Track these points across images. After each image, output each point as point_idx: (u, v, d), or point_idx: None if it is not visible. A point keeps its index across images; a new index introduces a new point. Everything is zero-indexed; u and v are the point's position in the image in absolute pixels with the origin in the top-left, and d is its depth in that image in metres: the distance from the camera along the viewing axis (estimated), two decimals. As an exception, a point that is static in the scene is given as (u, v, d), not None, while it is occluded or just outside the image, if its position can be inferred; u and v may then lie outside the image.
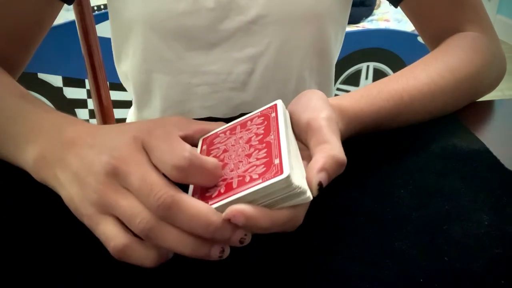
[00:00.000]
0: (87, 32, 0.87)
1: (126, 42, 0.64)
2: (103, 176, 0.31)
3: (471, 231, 0.36)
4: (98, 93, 0.92)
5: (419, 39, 1.77)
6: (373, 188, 0.41)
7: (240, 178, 0.31)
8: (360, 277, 0.33)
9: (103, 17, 1.51)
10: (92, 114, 1.79)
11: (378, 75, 1.96)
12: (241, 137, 0.35)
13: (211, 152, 0.36)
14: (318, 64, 0.67)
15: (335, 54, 0.71)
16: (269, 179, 0.29)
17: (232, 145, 0.35)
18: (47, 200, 0.37)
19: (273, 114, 0.36)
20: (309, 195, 0.30)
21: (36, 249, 0.36)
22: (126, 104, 1.73)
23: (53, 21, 0.58)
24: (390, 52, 1.90)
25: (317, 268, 0.34)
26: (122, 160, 0.31)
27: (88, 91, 1.77)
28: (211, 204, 0.30)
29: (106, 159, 0.31)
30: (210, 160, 0.31)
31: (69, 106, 1.77)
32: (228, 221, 0.29)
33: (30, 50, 0.58)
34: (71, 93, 1.77)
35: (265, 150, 0.32)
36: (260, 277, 0.33)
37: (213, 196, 0.31)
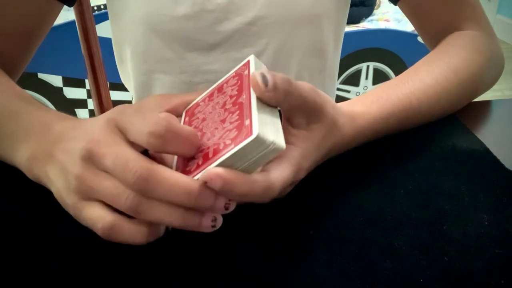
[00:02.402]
0: (87, 32, 0.87)
1: (126, 43, 0.64)
2: (80, 161, 0.31)
3: (471, 231, 0.36)
4: (98, 93, 0.92)
5: (419, 39, 1.77)
6: (373, 188, 0.41)
7: (215, 147, 0.30)
8: (360, 277, 0.33)
9: (103, 17, 1.52)
10: (92, 114, 1.79)
11: (378, 75, 1.96)
12: (217, 103, 0.35)
13: (192, 123, 0.35)
14: (317, 65, 0.67)
15: (335, 54, 0.71)
16: (240, 142, 0.28)
17: (210, 113, 0.34)
18: (42, 198, 0.37)
19: (246, 72, 0.35)
20: (283, 146, 0.30)
21: (35, 248, 0.36)
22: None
23: (53, 22, 0.58)
24: (390, 52, 1.90)
25: (317, 268, 0.34)
26: (96, 143, 0.31)
27: (88, 91, 1.77)
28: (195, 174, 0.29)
29: (82, 145, 0.31)
30: (186, 127, 0.30)
31: (69, 106, 1.77)
32: (208, 187, 0.28)
33: (30, 51, 0.58)
34: (71, 93, 1.77)
35: (238, 112, 0.31)
36: (260, 277, 0.33)
37: (192, 169, 0.30)
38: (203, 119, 0.34)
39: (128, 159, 0.29)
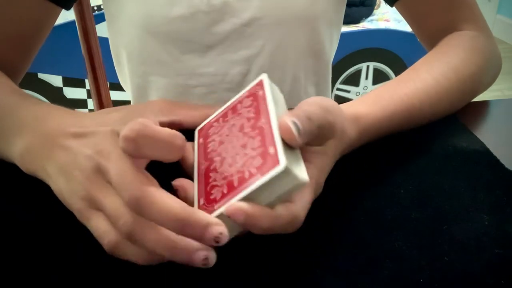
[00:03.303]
0: (87, 32, 0.87)
1: (122, 46, 0.64)
2: (89, 172, 0.32)
3: (471, 231, 0.36)
4: (98, 93, 0.92)
5: (419, 39, 1.77)
6: (373, 188, 0.41)
7: (240, 175, 0.30)
8: (360, 277, 0.33)
9: (103, 17, 1.51)
10: (92, 114, 1.79)
11: (378, 75, 1.96)
12: (233, 125, 0.35)
13: (209, 146, 0.35)
14: (313, 65, 0.67)
15: (331, 55, 0.71)
16: (267, 172, 0.28)
17: (227, 135, 0.34)
18: (43, 198, 0.37)
19: (261, 92, 0.35)
20: (307, 180, 0.30)
21: (35, 248, 0.36)
22: (126, 104, 1.72)
23: (52, 25, 0.59)
24: (390, 52, 1.90)
25: (317, 268, 0.34)
26: (104, 156, 0.31)
27: (88, 91, 1.77)
28: (217, 208, 0.30)
29: (90, 153, 0.32)
30: (164, 130, 0.30)
31: (69, 106, 1.75)
32: (198, 216, 0.28)
33: (30, 55, 0.58)
34: (71, 93, 1.77)
35: (259, 138, 0.31)
36: (260, 277, 0.33)
37: (217, 198, 0.30)
38: (220, 142, 0.34)
39: (127, 177, 0.29)
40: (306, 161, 0.35)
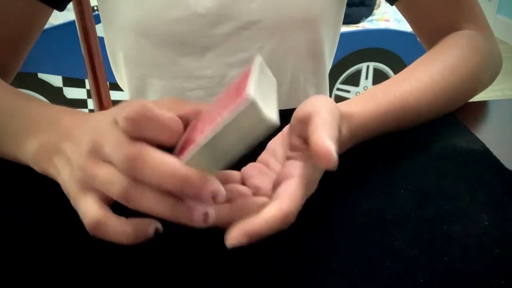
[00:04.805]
0: (87, 32, 0.87)
1: (119, 48, 0.64)
2: (85, 153, 0.32)
3: (471, 231, 0.36)
4: (98, 93, 0.92)
5: (419, 39, 1.77)
6: (373, 188, 0.41)
7: (213, 123, 0.29)
8: (360, 277, 0.33)
9: (103, 17, 1.51)
10: (92, 114, 1.79)
11: (378, 75, 1.96)
12: (219, 98, 0.34)
13: (198, 124, 0.34)
14: (313, 67, 0.67)
15: (330, 56, 0.71)
16: (235, 108, 0.27)
17: (213, 107, 0.34)
18: (43, 198, 0.37)
19: (249, 68, 0.34)
20: (275, 119, 0.28)
21: (35, 248, 0.36)
22: (126, 104, 1.72)
23: (44, 26, 0.59)
24: (390, 52, 1.90)
25: (317, 268, 0.34)
26: (100, 135, 0.32)
27: (88, 91, 1.77)
28: (186, 154, 0.29)
29: (90, 137, 0.32)
30: (166, 114, 0.30)
31: (69, 106, 1.75)
32: (195, 172, 0.28)
33: (21, 55, 0.58)
34: (71, 93, 1.77)
35: (236, 92, 0.30)
36: (260, 277, 0.33)
37: (188, 145, 0.30)
38: (207, 114, 0.34)
39: (121, 142, 0.29)
40: (293, 158, 0.35)
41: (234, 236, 0.29)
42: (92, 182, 0.31)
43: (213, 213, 0.29)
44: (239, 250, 0.30)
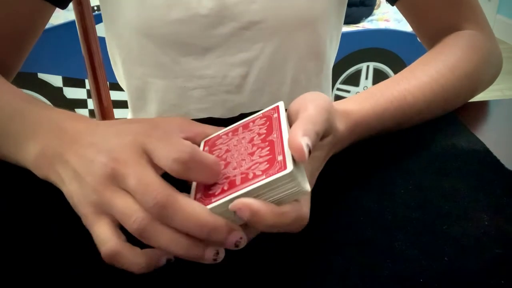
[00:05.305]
0: (87, 32, 0.87)
1: (120, 47, 0.64)
2: (102, 177, 0.31)
3: (471, 231, 0.36)
4: (98, 93, 0.92)
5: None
6: (373, 188, 0.41)
7: (243, 175, 0.31)
8: (360, 277, 0.33)
9: (103, 17, 1.51)
10: (92, 114, 1.79)
11: (378, 75, 1.96)
12: (243, 137, 0.35)
13: (213, 153, 0.36)
14: (314, 67, 0.67)
15: (331, 57, 0.71)
16: (273, 174, 0.29)
17: (235, 145, 0.35)
18: (43, 198, 0.37)
19: (275, 115, 0.36)
20: (309, 188, 0.30)
21: (35, 248, 0.36)
22: (126, 104, 1.72)
23: (46, 24, 0.58)
24: (390, 52, 1.90)
25: (317, 268, 0.34)
26: (121, 163, 0.31)
27: (88, 91, 1.77)
28: (214, 201, 0.30)
29: (105, 160, 0.31)
30: (210, 156, 0.31)
31: (69, 106, 1.77)
32: (224, 223, 0.29)
33: (23, 54, 0.58)
34: (71, 93, 1.77)
35: (268, 148, 0.32)
36: (260, 278, 0.33)
37: (216, 193, 0.31)
38: (227, 150, 0.35)
39: (150, 183, 0.30)
40: None
41: (241, 202, 0.29)
42: (109, 209, 0.31)
43: (223, 253, 0.30)
44: (239, 250, 0.30)
